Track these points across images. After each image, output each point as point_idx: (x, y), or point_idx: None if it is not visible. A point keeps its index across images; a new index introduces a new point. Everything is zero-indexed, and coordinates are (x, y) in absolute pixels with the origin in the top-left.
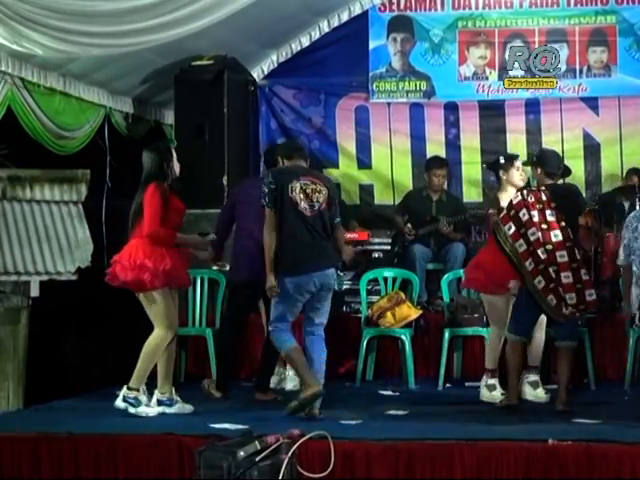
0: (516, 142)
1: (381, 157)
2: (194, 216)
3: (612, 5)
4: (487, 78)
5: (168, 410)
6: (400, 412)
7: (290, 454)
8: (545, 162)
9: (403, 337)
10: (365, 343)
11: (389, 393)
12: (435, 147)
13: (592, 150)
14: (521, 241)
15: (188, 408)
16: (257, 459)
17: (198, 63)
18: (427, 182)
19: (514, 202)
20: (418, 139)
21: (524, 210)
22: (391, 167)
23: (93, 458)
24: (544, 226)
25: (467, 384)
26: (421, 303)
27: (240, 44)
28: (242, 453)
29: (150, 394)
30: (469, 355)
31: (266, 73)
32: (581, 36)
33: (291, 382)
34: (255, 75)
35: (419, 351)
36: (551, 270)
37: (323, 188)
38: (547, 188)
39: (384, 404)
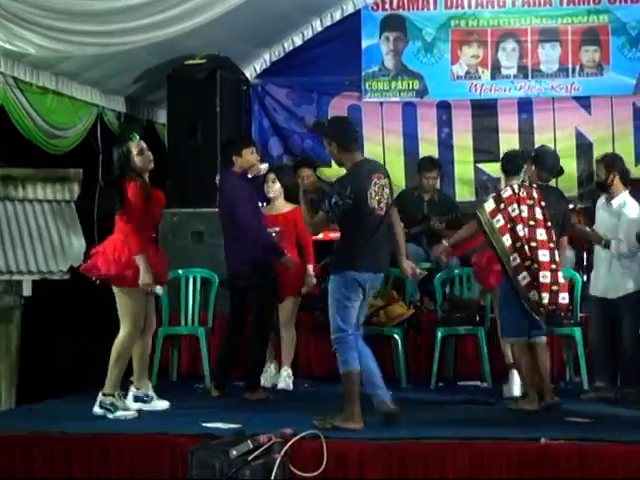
0: (508, 141)
1: (374, 156)
2: (187, 215)
3: (604, 4)
4: (480, 77)
5: (145, 407)
6: None
7: (282, 453)
8: (541, 163)
9: (395, 336)
10: None
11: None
12: (428, 146)
13: (584, 149)
14: (507, 235)
15: (163, 405)
16: (249, 458)
17: (191, 62)
18: (419, 183)
19: (504, 196)
20: (411, 138)
21: (515, 205)
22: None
23: (86, 458)
24: (532, 222)
25: (460, 383)
26: (413, 302)
27: (233, 43)
28: (234, 452)
29: (125, 391)
30: (462, 354)
31: (259, 72)
32: (573, 35)
33: (283, 381)
34: (248, 74)
35: (411, 350)
36: (532, 267)
37: (385, 179)
38: (539, 187)
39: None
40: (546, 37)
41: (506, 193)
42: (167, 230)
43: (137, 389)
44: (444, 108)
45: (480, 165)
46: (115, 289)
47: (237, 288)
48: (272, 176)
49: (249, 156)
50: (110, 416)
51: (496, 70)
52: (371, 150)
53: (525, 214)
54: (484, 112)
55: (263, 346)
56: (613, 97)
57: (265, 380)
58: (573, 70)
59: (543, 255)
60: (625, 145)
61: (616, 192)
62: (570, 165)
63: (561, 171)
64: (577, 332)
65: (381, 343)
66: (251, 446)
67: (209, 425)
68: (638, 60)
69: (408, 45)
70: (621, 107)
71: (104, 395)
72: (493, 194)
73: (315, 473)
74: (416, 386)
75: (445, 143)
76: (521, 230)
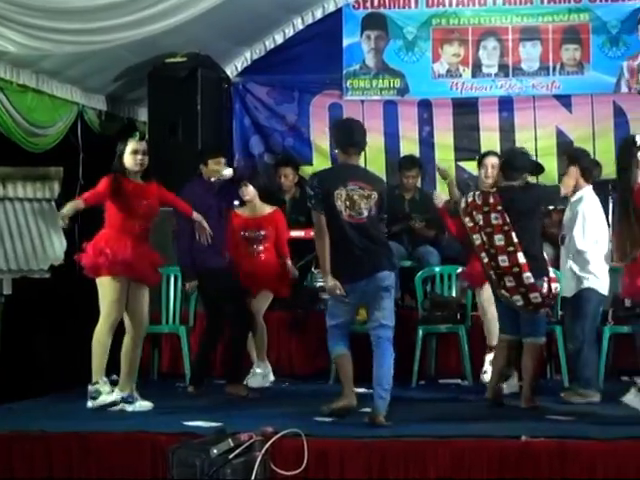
0: (489, 140)
1: None
2: (168, 213)
3: (585, 3)
4: (461, 76)
5: (128, 408)
6: None
7: (263, 452)
8: (507, 163)
9: None
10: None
11: (363, 391)
12: (409, 144)
13: (565, 147)
14: (476, 235)
15: (147, 405)
16: (230, 457)
17: (171, 60)
18: (400, 181)
19: (469, 200)
20: (392, 136)
21: (474, 212)
22: (365, 164)
23: (66, 456)
24: (488, 229)
25: (441, 381)
26: (395, 300)
27: (214, 41)
28: (215, 451)
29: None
30: (443, 352)
31: (240, 70)
32: (554, 34)
33: (255, 379)
34: (229, 72)
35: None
36: (494, 274)
37: (373, 192)
38: (500, 189)
39: (358, 402)
40: (527, 35)
41: (469, 199)
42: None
43: (121, 391)
44: (425, 106)
45: (461, 163)
46: (97, 280)
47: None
48: (242, 180)
49: (214, 166)
50: (93, 403)
51: (477, 68)
52: None
53: (481, 222)
54: (465, 110)
55: (243, 339)
56: (594, 95)
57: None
58: (554, 68)
59: (502, 261)
60: (605, 143)
61: (577, 187)
62: (551, 163)
63: (541, 169)
64: (558, 330)
65: (362, 341)
66: (232, 445)
67: (190, 424)
68: (618, 59)
69: (389, 43)
70: (602, 105)
71: (91, 385)
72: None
73: (296, 471)
74: (397, 384)
75: (426, 141)
76: (478, 239)
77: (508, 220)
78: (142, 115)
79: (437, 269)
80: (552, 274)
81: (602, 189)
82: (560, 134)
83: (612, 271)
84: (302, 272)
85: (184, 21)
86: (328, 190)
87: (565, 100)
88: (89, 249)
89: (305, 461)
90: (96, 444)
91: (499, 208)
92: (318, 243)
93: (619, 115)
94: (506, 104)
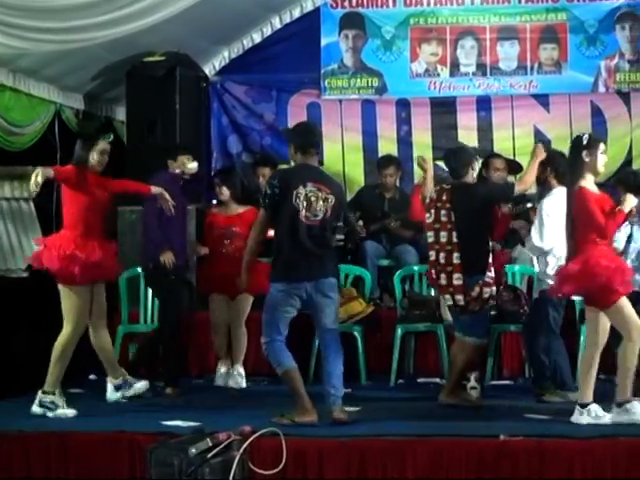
0: (467, 139)
1: (333, 154)
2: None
3: (563, 2)
4: (439, 75)
5: (128, 393)
6: (352, 408)
7: (242, 451)
8: (446, 162)
9: (355, 333)
10: (317, 340)
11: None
12: (387, 144)
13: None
14: (430, 232)
15: (143, 385)
16: (208, 456)
17: (150, 59)
18: (379, 180)
19: (433, 197)
20: (370, 136)
21: (432, 208)
22: (343, 164)
23: (44, 456)
24: (437, 226)
25: (419, 380)
26: (373, 299)
27: (192, 40)
28: (193, 450)
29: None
30: (421, 351)
31: (218, 69)
32: (532, 33)
33: (234, 380)
34: (207, 71)
35: (371, 347)
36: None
37: (330, 196)
38: (452, 186)
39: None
40: (505, 35)
41: (429, 199)
42: (126, 227)
43: (115, 379)
44: (403, 106)
45: (439, 162)
46: (60, 286)
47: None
48: (216, 180)
49: (183, 160)
50: (50, 414)
51: (455, 68)
52: (330, 148)
53: (432, 219)
54: (443, 110)
55: (171, 340)
56: (571, 95)
57: (217, 379)
58: (532, 68)
59: (442, 258)
60: None
61: (550, 188)
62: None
63: (519, 167)
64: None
65: (341, 340)
66: (210, 444)
67: (168, 423)
68: (596, 58)
69: (367, 43)
70: (579, 105)
71: (44, 393)
72: None
73: (274, 470)
74: (376, 383)
75: (404, 141)
76: (431, 237)
77: (453, 218)
78: (120, 114)
79: (416, 268)
80: (488, 278)
81: None
82: (538, 133)
83: None
84: None
85: (162, 20)
86: (288, 188)
87: (543, 99)
88: (53, 252)
89: (283, 460)
90: (74, 444)
91: (448, 206)
92: (253, 240)
93: (597, 115)
94: (484, 103)
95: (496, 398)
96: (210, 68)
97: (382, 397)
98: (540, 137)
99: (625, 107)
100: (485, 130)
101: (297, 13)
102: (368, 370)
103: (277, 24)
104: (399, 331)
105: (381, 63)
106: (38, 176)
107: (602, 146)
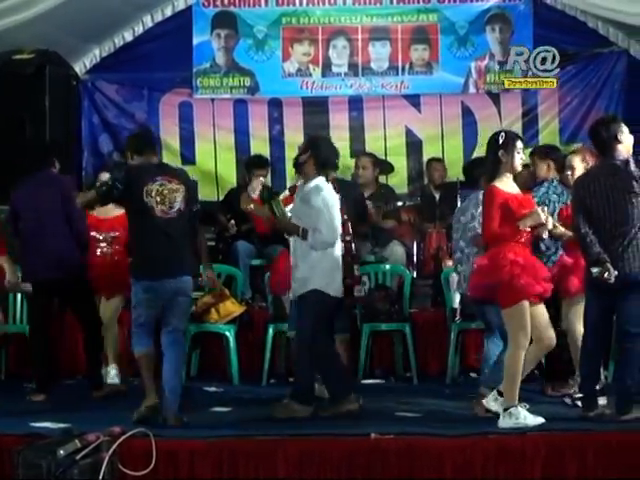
0: (340, 139)
1: (205, 153)
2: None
3: (434, 4)
4: (311, 75)
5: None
6: (224, 409)
7: (111, 452)
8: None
9: (227, 333)
10: (190, 339)
11: (213, 389)
12: (259, 143)
13: (414, 147)
14: None
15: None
16: (77, 457)
17: (18, 57)
18: (249, 181)
19: None
20: (242, 135)
21: None
22: (215, 163)
23: None
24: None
25: (291, 379)
26: (245, 299)
27: (62, 38)
28: (62, 452)
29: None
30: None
31: (89, 68)
32: (403, 34)
33: (112, 378)
34: (77, 70)
35: (243, 347)
36: None
37: (180, 186)
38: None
39: (208, 401)
40: (376, 35)
41: None
42: None
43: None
44: (275, 105)
45: None
46: None
47: (47, 288)
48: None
49: None
50: None
51: (327, 68)
52: (202, 147)
53: None
54: (315, 109)
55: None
56: (442, 95)
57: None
58: (403, 68)
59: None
60: (454, 143)
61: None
62: (400, 162)
63: (391, 168)
64: (406, 328)
65: (213, 340)
66: (79, 445)
67: (38, 425)
68: (466, 59)
69: (239, 42)
70: (450, 105)
71: None
72: None
73: (145, 471)
74: (248, 383)
75: (277, 140)
76: None
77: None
78: None
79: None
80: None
81: (451, 189)
82: (409, 133)
83: None
84: None
85: (31, 17)
86: (137, 186)
87: (414, 100)
88: None
89: (154, 461)
90: None
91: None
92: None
93: (467, 115)
94: (356, 103)
95: (368, 397)
96: (81, 66)
97: (254, 397)
98: (411, 137)
99: (495, 108)
100: (357, 130)
101: (169, 12)
102: (241, 370)
103: (149, 23)
104: (271, 331)
105: (253, 62)
106: None
107: (519, 144)
